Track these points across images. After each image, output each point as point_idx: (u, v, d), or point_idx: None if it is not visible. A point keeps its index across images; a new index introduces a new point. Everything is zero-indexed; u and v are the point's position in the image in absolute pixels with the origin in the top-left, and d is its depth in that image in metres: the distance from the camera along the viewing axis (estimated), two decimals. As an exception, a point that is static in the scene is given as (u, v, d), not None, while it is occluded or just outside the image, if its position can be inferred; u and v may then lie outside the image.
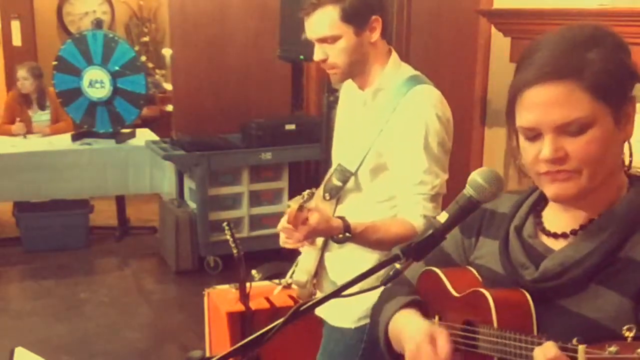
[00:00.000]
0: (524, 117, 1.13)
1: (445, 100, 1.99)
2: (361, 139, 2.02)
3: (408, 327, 1.30)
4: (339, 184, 2.06)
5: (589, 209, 1.17)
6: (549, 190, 1.15)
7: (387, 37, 2.05)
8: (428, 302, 1.35)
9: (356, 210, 2.06)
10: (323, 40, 1.97)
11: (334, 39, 1.95)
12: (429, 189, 1.92)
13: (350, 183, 2.05)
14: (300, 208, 1.78)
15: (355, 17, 1.93)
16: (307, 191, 1.81)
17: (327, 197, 2.10)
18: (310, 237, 1.88)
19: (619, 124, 1.13)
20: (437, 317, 1.31)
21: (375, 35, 1.98)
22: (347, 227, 1.87)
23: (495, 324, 1.13)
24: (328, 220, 1.86)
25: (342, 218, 1.89)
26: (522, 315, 1.15)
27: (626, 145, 1.18)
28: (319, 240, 2.11)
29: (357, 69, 2.01)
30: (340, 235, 1.88)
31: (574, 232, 1.18)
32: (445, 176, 1.97)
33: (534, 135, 1.13)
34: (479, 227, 1.35)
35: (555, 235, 1.20)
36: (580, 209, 1.18)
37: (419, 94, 1.96)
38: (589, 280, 1.12)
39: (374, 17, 1.96)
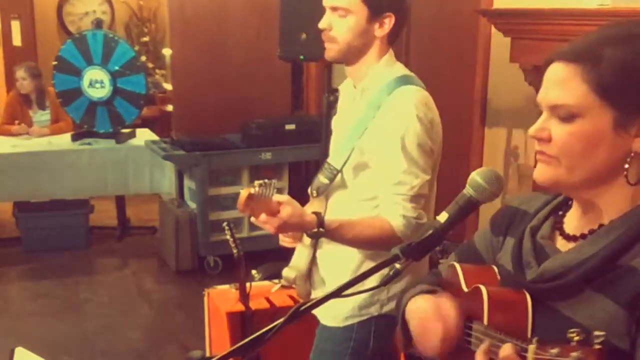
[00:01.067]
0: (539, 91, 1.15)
1: (431, 102, 1.98)
2: (347, 137, 2.03)
3: (414, 305, 1.31)
4: (326, 181, 2.07)
5: (604, 214, 1.14)
6: (535, 169, 1.15)
7: (393, 42, 2.04)
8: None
9: (342, 207, 2.06)
10: (335, 9, 1.96)
11: (346, 13, 1.94)
12: (407, 189, 1.91)
13: (337, 180, 2.06)
14: (250, 196, 1.76)
15: (374, 2, 1.94)
16: (262, 180, 1.79)
17: (315, 194, 2.11)
18: (282, 230, 1.87)
19: (621, 129, 1.08)
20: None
21: (382, 32, 1.97)
22: (320, 222, 1.86)
23: (485, 321, 1.12)
24: (301, 215, 1.85)
25: (317, 213, 1.89)
26: (517, 314, 1.13)
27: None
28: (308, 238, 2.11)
29: (352, 55, 2.00)
30: (314, 230, 1.87)
31: (583, 236, 1.15)
32: (426, 177, 1.94)
33: (540, 111, 1.14)
34: (508, 226, 1.33)
35: (568, 238, 1.18)
36: (595, 213, 1.15)
37: (402, 95, 1.95)
38: (586, 285, 1.09)
39: (389, 13, 1.96)
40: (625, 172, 1.10)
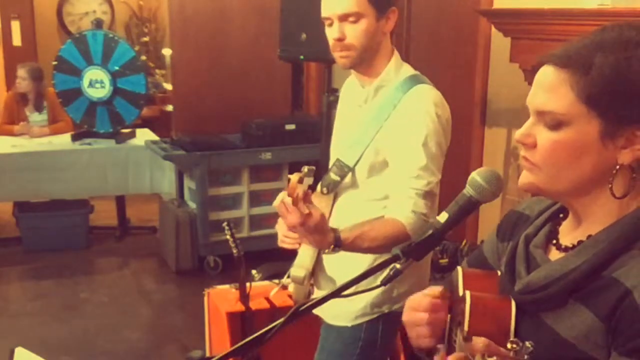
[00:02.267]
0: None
1: (445, 101, 2.01)
2: (361, 135, 2.03)
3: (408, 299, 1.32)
4: (337, 178, 2.07)
5: (593, 225, 1.12)
6: (521, 175, 1.14)
7: (392, 37, 2.07)
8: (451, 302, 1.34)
9: (350, 207, 2.07)
10: (345, 17, 1.95)
11: (357, 18, 1.95)
12: (424, 184, 1.93)
13: (348, 178, 2.06)
14: (301, 180, 1.74)
15: (379, 1, 1.96)
16: (307, 167, 1.77)
17: (325, 192, 2.10)
18: (305, 224, 1.75)
19: (608, 140, 1.05)
20: (449, 316, 1.31)
21: (389, 27, 2.00)
22: (337, 239, 1.82)
23: (465, 328, 1.12)
24: (325, 226, 1.79)
25: (334, 230, 1.84)
26: (500, 322, 1.12)
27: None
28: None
29: (367, 56, 2.00)
30: (331, 249, 1.84)
31: (573, 247, 1.13)
32: (439, 176, 1.98)
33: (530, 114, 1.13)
34: (512, 232, 1.31)
35: (560, 248, 1.16)
36: (586, 224, 1.13)
37: (420, 93, 1.98)
38: (569, 296, 1.07)
39: (392, 7, 1.99)
40: (610, 185, 1.07)
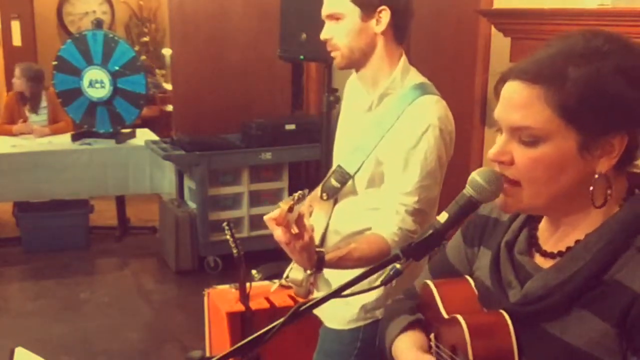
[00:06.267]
0: (496, 108, 1.13)
1: (450, 113, 1.97)
2: (363, 143, 2.01)
3: (398, 351, 1.29)
4: (337, 185, 2.05)
5: (577, 230, 1.11)
6: (499, 200, 1.13)
7: (401, 40, 2.02)
8: (426, 318, 1.32)
9: (350, 212, 2.06)
10: (330, 17, 1.97)
11: (338, 17, 1.95)
12: (414, 201, 1.90)
13: (348, 186, 2.05)
14: (290, 209, 1.72)
15: (363, 0, 1.93)
16: (299, 192, 1.75)
17: (325, 197, 2.09)
18: (287, 243, 1.70)
19: (585, 152, 1.05)
20: (432, 336, 1.29)
21: (381, 27, 1.94)
22: (320, 262, 1.78)
23: (470, 357, 1.10)
24: (312, 249, 1.76)
25: (319, 252, 1.80)
26: (500, 339, 1.11)
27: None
28: (315, 240, 2.10)
29: (358, 57, 1.98)
30: (312, 271, 1.83)
31: (561, 254, 1.12)
32: (435, 192, 1.94)
33: (499, 129, 1.12)
34: (481, 236, 1.31)
35: (545, 254, 1.15)
36: (568, 229, 1.12)
37: (424, 105, 1.93)
38: (572, 303, 1.06)
39: (381, 7, 1.94)
40: (590, 195, 1.07)
